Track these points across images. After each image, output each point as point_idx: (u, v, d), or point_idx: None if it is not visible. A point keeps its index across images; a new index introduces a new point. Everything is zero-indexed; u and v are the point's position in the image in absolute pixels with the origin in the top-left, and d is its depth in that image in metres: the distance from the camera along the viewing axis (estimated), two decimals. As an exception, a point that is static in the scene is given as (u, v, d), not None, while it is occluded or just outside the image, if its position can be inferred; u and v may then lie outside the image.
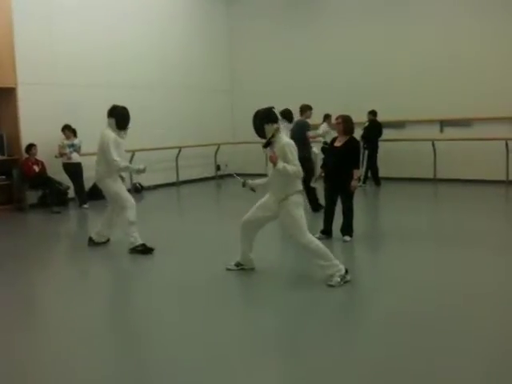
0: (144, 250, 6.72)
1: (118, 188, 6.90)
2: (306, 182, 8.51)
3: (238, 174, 6.30)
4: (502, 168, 11.66)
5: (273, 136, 5.23)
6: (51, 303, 5.28)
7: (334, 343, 4.01)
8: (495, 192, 11.22)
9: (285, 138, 5.32)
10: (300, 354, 3.85)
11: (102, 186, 7.03)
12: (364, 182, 12.51)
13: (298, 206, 5.20)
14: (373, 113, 12.48)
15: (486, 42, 12.03)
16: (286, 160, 5.13)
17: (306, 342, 4.02)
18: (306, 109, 9.56)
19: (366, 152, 12.53)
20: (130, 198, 6.89)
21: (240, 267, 5.78)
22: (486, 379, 3.40)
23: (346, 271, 5.17)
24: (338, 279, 5.08)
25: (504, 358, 3.69)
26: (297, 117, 9.54)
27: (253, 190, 5.76)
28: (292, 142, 5.29)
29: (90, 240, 7.24)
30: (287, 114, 10.51)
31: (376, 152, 12.52)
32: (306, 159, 8.62)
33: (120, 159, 6.73)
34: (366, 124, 12.50)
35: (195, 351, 3.91)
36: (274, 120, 5.25)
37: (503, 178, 11.71)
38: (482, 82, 12.00)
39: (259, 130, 5.28)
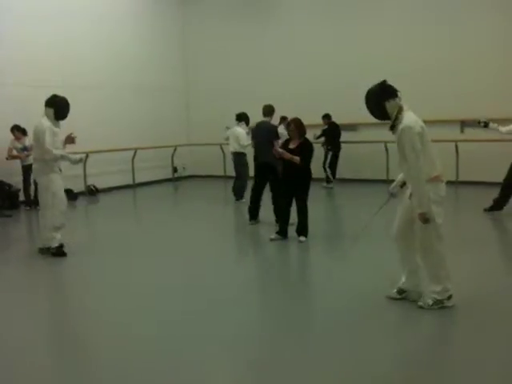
0: (57, 253, 6.66)
1: (57, 187, 6.72)
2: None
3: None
4: (452, 168, 12.00)
5: (396, 116, 4.38)
6: None
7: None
8: (446, 192, 11.51)
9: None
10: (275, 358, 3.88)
11: (39, 182, 6.87)
12: (328, 182, 12.68)
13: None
14: (327, 116, 12.69)
15: (432, 46, 12.36)
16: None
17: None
18: (272, 110, 8.71)
19: (330, 154, 12.70)
20: (65, 202, 6.78)
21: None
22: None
23: None
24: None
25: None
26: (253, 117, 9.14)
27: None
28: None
29: (41, 249, 6.93)
30: (245, 117, 10.65)
31: (338, 153, 12.81)
32: (273, 166, 8.05)
33: (55, 149, 6.58)
34: (325, 127, 12.68)
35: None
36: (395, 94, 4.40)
37: (453, 178, 12.06)
38: (431, 85, 12.30)
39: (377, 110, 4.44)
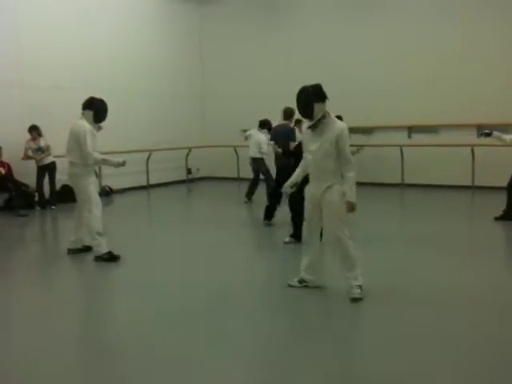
0: (110, 258, 6.46)
1: (92, 191, 6.48)
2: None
3: None
4: (468, 173, 11.91)
5: (321, 118, 4.81)
6: (14, 311, 5.17)
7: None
8: (461, 197, 11.45)
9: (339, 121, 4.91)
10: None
11: (74, 185, 6.56)
12: None
13: (342, 196, 4.81)
14: (338, 118, 12.60)
15: (451, 50, 12.27)
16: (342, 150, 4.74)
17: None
18: (293, 113, 8.61)
19: None
20: (99, 206, 6.51)
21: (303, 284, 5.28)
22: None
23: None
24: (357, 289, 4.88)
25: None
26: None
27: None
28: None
29: (69, 250, 6.83)
30: (268, 125, 10.65)
31: None
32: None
33: (95, 152, 6.37)
34: None
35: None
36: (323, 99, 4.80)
37: (469, 183, 11.97)
38: (449, 89, 12.24)
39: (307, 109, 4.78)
